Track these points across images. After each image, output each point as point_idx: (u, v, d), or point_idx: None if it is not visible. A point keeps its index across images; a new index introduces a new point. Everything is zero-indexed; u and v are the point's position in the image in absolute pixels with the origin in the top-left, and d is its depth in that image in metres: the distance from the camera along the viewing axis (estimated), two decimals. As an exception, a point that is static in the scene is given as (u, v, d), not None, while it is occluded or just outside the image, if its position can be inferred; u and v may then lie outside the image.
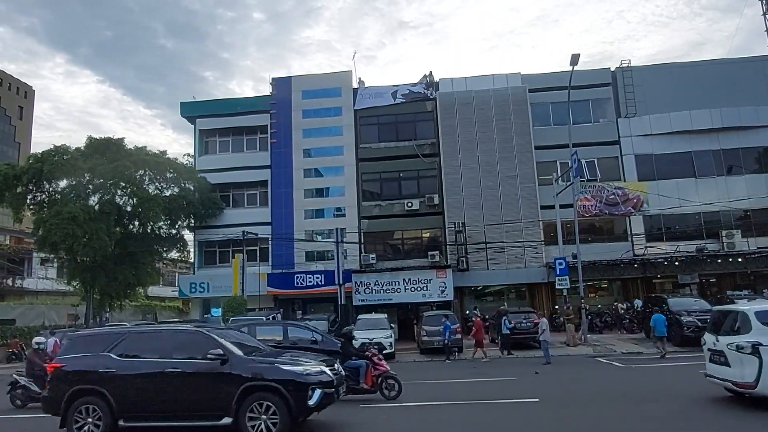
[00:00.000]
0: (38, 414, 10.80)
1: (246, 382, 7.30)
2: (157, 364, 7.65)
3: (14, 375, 12.19)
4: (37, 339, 12.61)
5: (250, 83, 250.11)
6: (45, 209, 26.24)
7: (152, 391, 7.59)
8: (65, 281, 30.48)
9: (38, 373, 11.57)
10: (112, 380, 7.63)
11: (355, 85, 30.51)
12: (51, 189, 26.97)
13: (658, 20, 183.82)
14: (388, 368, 11.13)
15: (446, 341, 18.21)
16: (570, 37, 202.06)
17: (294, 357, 8.26)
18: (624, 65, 29.12)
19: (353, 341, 15.56)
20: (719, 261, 25.53)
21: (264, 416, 7.18)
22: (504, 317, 19.27)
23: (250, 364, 7.56)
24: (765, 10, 31.00)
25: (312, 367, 7.69)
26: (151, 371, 7.63)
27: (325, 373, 7.70)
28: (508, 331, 18.73)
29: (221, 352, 7.53)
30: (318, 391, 7.36)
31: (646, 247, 26.79)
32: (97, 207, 26.29)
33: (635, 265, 26.09)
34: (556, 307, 26.01)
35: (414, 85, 30.00)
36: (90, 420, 7.55)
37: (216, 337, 7.85)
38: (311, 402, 7.29)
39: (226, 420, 7.27)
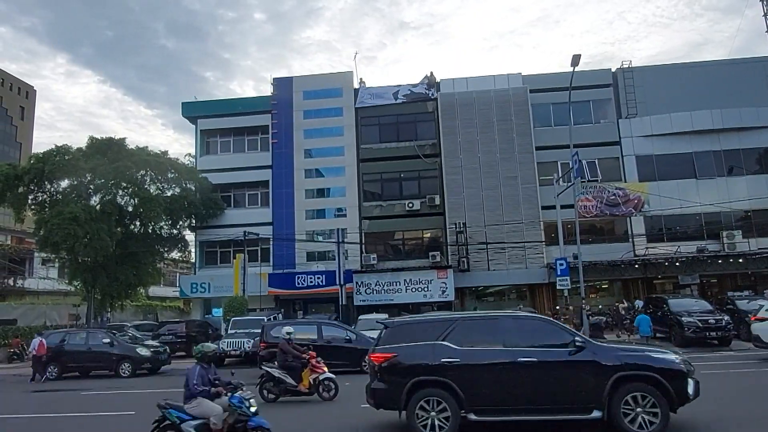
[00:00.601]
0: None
1: (618, 372, 6.73)
2: (506, 353, 7.07)
3: (264, 367, 11.27)
4: (287, 329, 11.74)
5: (251, 83, 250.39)
6: (46, 209, 26.24)
7: (505, 382, 7.01)
8: (66, 281, 30.50)
9: (292, 364, 10.98)
10: (457, 370, 7.05)
11: (356, 85, 30.53)
12: (52, 189, 26.96)
13: (659, 21, 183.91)
14: None
15: None
16: (571, 38, 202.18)
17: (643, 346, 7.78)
18: (625, 66, 29.14)
19: None
20: (720, 262, 25.54)
21: (639, 409, 6.63)
22: None
23: (615, 352, 7.03)
24: (766, 11, 31.07)
25: (676, 355, 7.18)
26: (501, 361, 7.05)
27: (687, 361, 7.19)
28: None
29: (581, 340, 7.07)
30: (691, 381, 6.83)
31: (646, 248, 26.80)
32: (98, 207, 26.28)
33: (636, 266, 26.10)
34: (558, 307, 26.04)
35: (415, 85, 30.02)
36: (434, 413, 7.00)
37: (562, 324, 7.44)
38: (690, 392, 6.75)
39: (596, 414, 6.73)
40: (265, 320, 20.12)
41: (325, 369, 11.09)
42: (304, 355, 11.14)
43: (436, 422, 6.99)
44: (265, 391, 11.01)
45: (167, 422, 6.61)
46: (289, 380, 10.82)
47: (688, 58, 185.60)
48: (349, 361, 15.25)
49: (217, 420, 6.43)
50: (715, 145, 27.62)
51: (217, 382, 6.77)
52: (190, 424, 6.44)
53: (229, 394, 6.66)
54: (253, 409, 6.66)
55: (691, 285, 25.58)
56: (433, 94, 29.48)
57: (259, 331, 19.30)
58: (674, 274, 26.08)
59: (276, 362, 11.26)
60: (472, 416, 6.99)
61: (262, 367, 11.35)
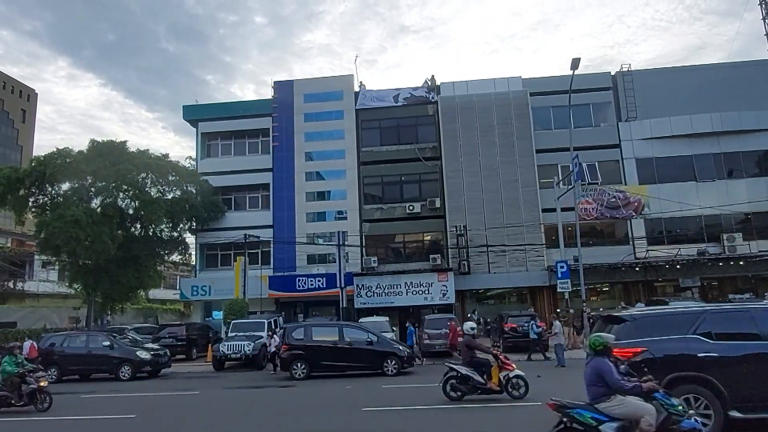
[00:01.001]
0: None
1: None
2: (762, 346, 6.86)
3: (448, 363, 10.74)
4: (470, 324, 11.14)
5: (251, 86, 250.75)
6: (47, 212, 26.27)
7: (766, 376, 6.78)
8: (66, 284, 30.51)
9: (481, 360, 10.40)
10: (717, 365, 6.80)
11: (356, 88, 30.61)
12: (53, 192, 27.02)
13: (658, 24, 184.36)
14: None
15: (412, 347, 18.90)
16: (571, 41, 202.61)
17: None
18: (624, 69, 29.20)
19: None
20: (720, 264, 25.58)
21: None
22: (532, 321, 19.04)
23: None
24: (765, 14, 31.16)
25: None
26: (759, 354, 6.82)
27: None
28: (536, 336, 18.46)
29: None
30: None
31: (647, 251, 26.81)
32: (99, 210, 26.34)
33: (637, 269, 26.12)
34: (558, 310, 26.06)
35: (416, 88, 30.09)
36: (692, 412, 6.65)
37: None
38: None
39: None
40: (266, 323, 20.17)
41: (514, 366, 10.44)
42: (494, 351, 10.61)
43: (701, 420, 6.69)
44: (448, 388, 10.29)
45: (562, 425, 5.82)
46: (477, 377, 10.13)
47: (688, 61, 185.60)
48: (371, 363, 15.23)
49: (652, 420, 5.51)
50: (715, 148, 27.67)
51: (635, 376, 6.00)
52: (611, 426, 5.56)
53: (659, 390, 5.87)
54: (680, 408, 5.77)
55: (692, 288, 25.60)
56: (433, 98, 29.55)
57: (260, 333, 19.42)
58: (675, 277, 26.11)
59: (460, 359, 10.72)
60: (736, 413, 6.64)
61: (446, 364, 10.82)
